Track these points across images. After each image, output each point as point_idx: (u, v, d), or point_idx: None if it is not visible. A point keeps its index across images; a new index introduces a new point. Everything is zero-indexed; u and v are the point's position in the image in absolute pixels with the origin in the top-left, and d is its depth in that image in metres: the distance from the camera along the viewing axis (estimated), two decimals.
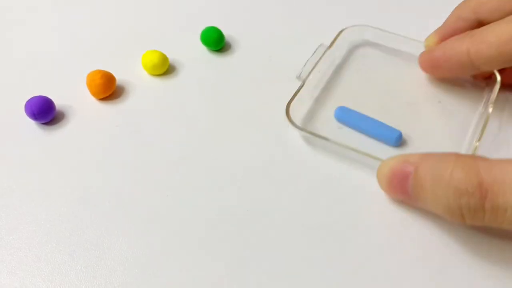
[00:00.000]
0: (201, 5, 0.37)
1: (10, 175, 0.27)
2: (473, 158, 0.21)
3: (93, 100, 0.31)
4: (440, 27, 0.29)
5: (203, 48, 0.33)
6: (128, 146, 0.28)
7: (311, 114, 0.29)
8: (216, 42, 0.33)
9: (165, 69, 0.32)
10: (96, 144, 0.28)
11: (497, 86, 0.28)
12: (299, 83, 0.29)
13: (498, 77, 0.28)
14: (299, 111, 0.28)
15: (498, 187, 0.20)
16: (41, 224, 0.25)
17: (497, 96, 0.27)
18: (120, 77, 0.31)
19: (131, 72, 0.32)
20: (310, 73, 0.29)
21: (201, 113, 0.30)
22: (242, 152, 0.28)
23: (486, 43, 0.25)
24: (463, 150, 0.26)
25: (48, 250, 0.24)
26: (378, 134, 0.27)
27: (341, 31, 0.32)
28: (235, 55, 0.33)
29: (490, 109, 0.27)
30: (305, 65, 0.30)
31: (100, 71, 0.30)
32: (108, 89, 0.30)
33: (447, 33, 0.29)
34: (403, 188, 0.23)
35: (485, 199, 0.20)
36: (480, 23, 0.27)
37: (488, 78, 0.29)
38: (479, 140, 0.25)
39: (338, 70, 0.31)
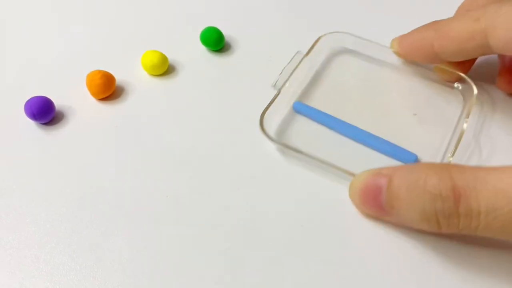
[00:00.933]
0: (200, 5, 0.37)
1: (10, 175, 0.27)
2: (446, 164, 0.22)
3: (93, 100, 0.31)
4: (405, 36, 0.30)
5: (203, 48, 0.33)
6: (128, 146, 0.28)
7: (287, 124, 0.29)
8: (216, 42, 0.33)
9: (165, 69, 0.32)
10: (96, 144, 0.28)
11: (473, 100, 0.28)
12: (274, 92, 0.28)
13: (475, 91, 0.28)
14: (274, 121, 0.28)
15: (470, 191, 0.20)
16: (41, 224, 0.25)
17: (472, 109, 0.28)
18: (120, 77, 0.31)
19: (131, 72, 0.32)
20: (286, 81, 0.29)
21: (201, 113, 0.30)
22: (242, 152, 0.28)
23: (449, 39, 0.27)
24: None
25: (48, 250, 0.24)
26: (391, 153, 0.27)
27: (318, 38, 0.31)
28: (235, 55, 0.33)
29: (465, 125, 0.27)
30: (281, 73, 0.29)
31: (100, 71, 0.30)
32: (108, 89, 0.30)
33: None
34: (377, 202, 0.23)
35: (459, 203, 0.20)
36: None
37: (459, 81, 0.30)
38: (452, 155, 0.25)
39: (316, 78, 0.31)
